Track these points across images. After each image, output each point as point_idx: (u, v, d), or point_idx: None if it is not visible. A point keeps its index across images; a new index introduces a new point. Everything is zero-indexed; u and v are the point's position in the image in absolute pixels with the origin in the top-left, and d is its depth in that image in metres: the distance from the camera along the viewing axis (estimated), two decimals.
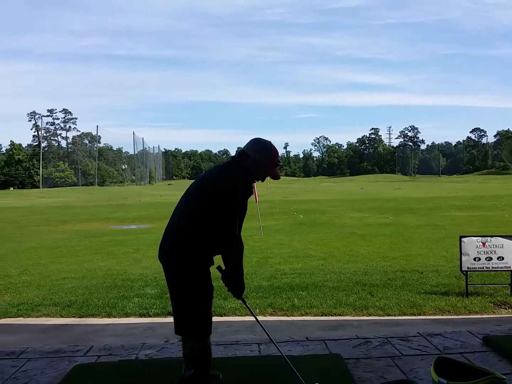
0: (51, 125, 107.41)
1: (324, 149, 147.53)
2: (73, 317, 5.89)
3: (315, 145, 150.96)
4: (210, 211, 2.77)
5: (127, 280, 7.70)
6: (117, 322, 5.64)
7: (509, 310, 5.80)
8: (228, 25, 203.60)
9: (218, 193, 2.77)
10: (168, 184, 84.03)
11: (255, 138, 3.01)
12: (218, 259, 2.97)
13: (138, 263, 9.62)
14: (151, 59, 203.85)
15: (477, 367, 2.51)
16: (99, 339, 4.88)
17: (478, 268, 6.35)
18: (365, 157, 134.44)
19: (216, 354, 3.53)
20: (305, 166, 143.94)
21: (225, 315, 5.66)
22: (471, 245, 6.33)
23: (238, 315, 5.62)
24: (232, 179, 2.78)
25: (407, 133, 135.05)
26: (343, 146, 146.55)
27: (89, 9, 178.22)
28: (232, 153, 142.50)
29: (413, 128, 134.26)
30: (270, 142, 3.01)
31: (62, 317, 5.90)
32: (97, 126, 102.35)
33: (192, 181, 3.27)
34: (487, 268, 6.35)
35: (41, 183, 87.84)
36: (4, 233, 16.95)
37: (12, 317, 5.94)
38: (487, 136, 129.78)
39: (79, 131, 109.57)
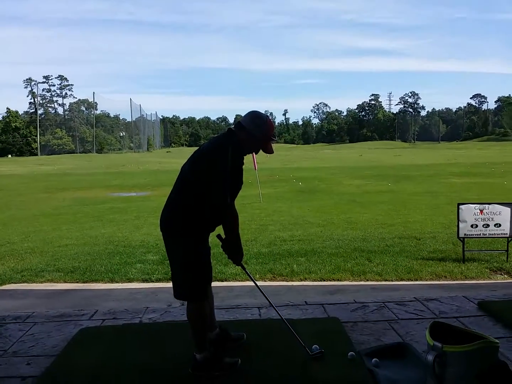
0: (47, 92, 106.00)
1: (324, 116, 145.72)
2: (77, 282, 5.99)
3: (315, 112, 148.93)
4: (202, 181, 2.85)
5: (129, 247, 7.80)
6: (120, 287, 5.75)
7: (505, 276, 5.90)
8: None
9: (209, 163, 2.84)
10: (167, 152, 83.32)
11: (252, 111, 3.05)
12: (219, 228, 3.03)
13: (139, 230, 9.71)
14: (152, 24, 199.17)
15: (471, 332, 2.58)
16: (103, 303, 4.99)
17: (475, 234, 6.43)
18: (364, 124, 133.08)
19: (218, 317, 3.62)
20: (304, 133, 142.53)
21: (226, 280, 5.77)
22: (469, 212, 6.38)
23: (239, 280, 5.72)
24: (223, 149, 2.84)
25: (407, 99, 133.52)
26: (343, 112, 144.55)
27: None
28: (231, 120, 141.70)
29: (414, 94, 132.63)
30: (267, 115, 3.07)
31: (66, 282, 6.01)
32: (94, 92, 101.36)
33: (191, 148, 3.31)
34: (484, 234, 6.42)
35: (39, 151, 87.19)
36: (5, 200, 17.02)
37: (17, 283, 6.04)
38: (487, 102, 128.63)
39: (76, 98, 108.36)
